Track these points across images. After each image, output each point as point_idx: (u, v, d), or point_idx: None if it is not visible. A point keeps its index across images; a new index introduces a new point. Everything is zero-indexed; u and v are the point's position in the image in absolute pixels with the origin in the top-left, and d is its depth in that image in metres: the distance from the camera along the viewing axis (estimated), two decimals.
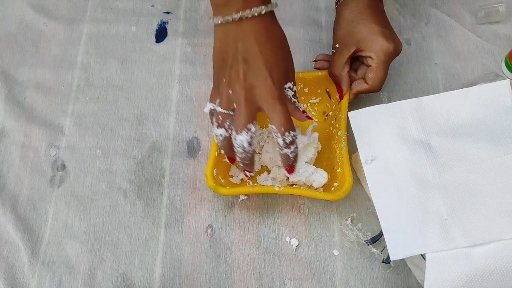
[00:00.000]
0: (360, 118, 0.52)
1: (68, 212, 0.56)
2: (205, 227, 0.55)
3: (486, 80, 0.56)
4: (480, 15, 0.65)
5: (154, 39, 0.67)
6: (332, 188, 0.52)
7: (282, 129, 0.45)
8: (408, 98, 0.52)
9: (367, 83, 0.54)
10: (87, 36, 0.67)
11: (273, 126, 0.45)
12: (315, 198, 0.56)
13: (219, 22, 0.44)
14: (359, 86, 0.55)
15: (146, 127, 0.61)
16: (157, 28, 0.67)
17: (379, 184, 0.49)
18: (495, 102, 0.50)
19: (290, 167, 0.49)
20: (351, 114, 0.52)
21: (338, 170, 0.53)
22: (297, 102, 0.48)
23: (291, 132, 0.45)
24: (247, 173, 0.51)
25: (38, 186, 0.57)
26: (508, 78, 0.61)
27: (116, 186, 0.57)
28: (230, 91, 0.45)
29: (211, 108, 0.48)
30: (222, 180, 0.53)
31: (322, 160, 0.56)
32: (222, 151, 0.50)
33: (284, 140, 0.46)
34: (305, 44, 0.65)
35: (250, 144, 0.46)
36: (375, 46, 0.53)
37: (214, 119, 0.48)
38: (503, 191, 0.46)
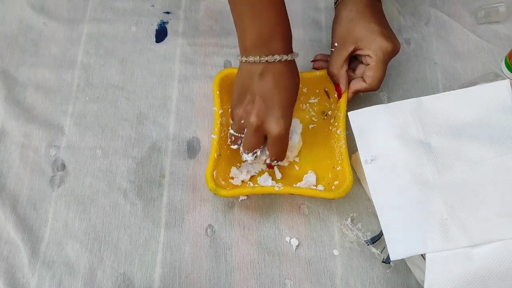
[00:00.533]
0: (360, 118, 0.52)
1: (68, 212, 0.56)
2: (205, 227, 0.55)
3: (486, 80, 0.56)
4: (480, 15, 0.65)
5: (154, 39, 0.67)
6: (333, 187, 0.52)
7: (273, 158, 0.52)
8: (408, 98, 0.52)
9: (365, 82, 0.55)
10: (87, 36, 0.67)
11: (267, 152, 0.52)
12: (315, 198, 0.56)
13: (247, 61, 0.49)
14: (357, 84, 0.55)
15: (146, 127, 0.61)
16: (157, 28, 0.67)
17: (379, 184, 0.49)
18: (495, 102, 0.50)
19: (270, 166, 0.57)
20: (351, 114, 0.52)
21: (338, 169, 0.53)
22: None
23: (278, 162, 0.53)
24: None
25: (38, 186, 0.57)
26: (508, 78, 0.61)
27: (116, 186, 0.57)
28: (243, 121, 0.50)
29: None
30: (223, 182, 0.54)
31: (321, 159, 0.56)
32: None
33: (270, 163, 0.53)
34: (304, 44, 0.65)
35: (255, 158, 0.53)
36: (373, 45, 0.53)
37: (229, 136, 0.55)
38: (503, 191, 0.46)
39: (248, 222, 0.55)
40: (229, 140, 0.54)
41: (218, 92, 0.56)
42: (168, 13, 0.68)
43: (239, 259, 0.53)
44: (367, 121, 0.52)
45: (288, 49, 0.49)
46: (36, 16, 0.68)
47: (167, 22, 0.68)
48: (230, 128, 0.54)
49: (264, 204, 0.56)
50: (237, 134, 0.53)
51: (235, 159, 0.56)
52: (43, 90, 0.63)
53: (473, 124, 0.50)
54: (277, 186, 0.51)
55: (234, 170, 0.56)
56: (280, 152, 0.52)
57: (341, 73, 0.55)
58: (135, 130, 0.60)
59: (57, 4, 0.69)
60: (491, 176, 0.47)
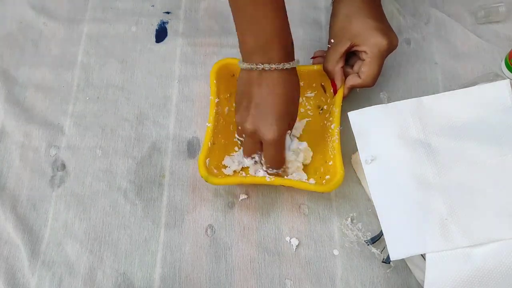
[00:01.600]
0: (360, 118, 0.52)
1: (68, 212, 0.56)
2: (205, 227, 0.55)
3: (486, 80, 0.56)
4: (480, 15, 0.65)
5: (154, 39, 0.67)
6: (324, 181, 0.53)
7: (268, 165, 0.53)
8: (408, 98, 0.52)
9: (360, 78, 0.55)
10: (87, 36, 0.67)
11: (263, 159, 0.53)
12: (316, 197, 0.56)
13: (243, 67, 0.49)
14: (352, 80, 0.55)
15: (146, 127, 0.61)
16: (157, 28, 0.67)
17: (379, 184, 0.49)
18: (495, 102, 0.50)
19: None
20: (351, 114, 0.52)
21: (330, 163, 0.53)
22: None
23: (274, 170, 0.53)
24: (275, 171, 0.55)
25: (38, 186, 0.57)
26: (508, 78, 0.61)
27: (116, 186, 0.57)
28: (239, 127, 0.51)
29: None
30: (215, 170, 0.54)
31: (315, 154, 0.56)
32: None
33: (267, 171, 0.54)
34: (304, 43, 0.65)
35: (255, 163, 0.54)
36: (369, 41, 0.53)
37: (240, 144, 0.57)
38: (503, 191, 0.46)
39: (248, 222, 0.55)
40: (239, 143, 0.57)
41: (215, 81, 0.56)
42: (168, 13, 0.68)
43: (239, 259, 0.53)
44: (367, 121, 0.52)
45: (287, 57, 0.49)
46: (36, 16, 0.68)
47: (167, 22, 0.68)
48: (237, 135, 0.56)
49: (264, 204, 0.56)
50: (241, 139, 0.55)
51: (229, 149, 0.57)
52: (43, 90, 0.63)
53: (473, 124, 0.49)
54: (268, 177, 0.51)
55: (227, 159, 0.56)
56: (274, 159, 0.52)
57: (336, 69, 0.55)
58: (135, 130, 0.60)
59: (57, 4, 0.69)
60: (491, 176, 0.47)
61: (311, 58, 0.60)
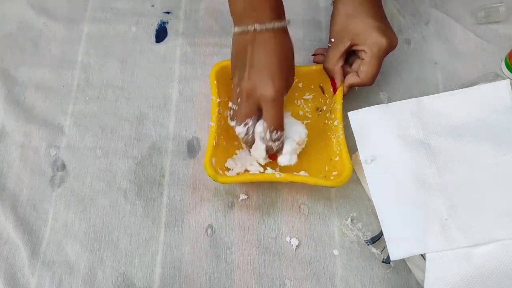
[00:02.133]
0: (360, 118, 0.52)
1: (68, 212, 0.56)
2: (205, 227, 0.55)
3: (486, 80, 0.56)
4: (480, 15, 0.65)
5: (154, 39, 0.67)
6: (332, 177, 0.52)
7: (272, 127, 0.50)
8: (408, 98, 0.52)
9: (359, 76, 0.55)
10: (87, 36, 0.67)
11: (265, 123, 0.50)
12: (316, 197, 0.56)
13: (236, 31, 0.50)
14: (351, 79, 0.56)
15: (146, 127, 0.60)
16: (157, 28, 0.67)
17: (379, 184, 0.49)
18: (495, 102, 0.50)
19: (273, 156, 0.54)
20: (351, 114, 0.53)
21: (336, 159, 0.53)
22: None
23: (279, 132, 0.50)
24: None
25: (38, 186, 0.57)
26: (508, 78, 0.61)
27: (116, 186, 0.57)
28: (238, 90, 0.50)
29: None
30: (220, 171, 0.53)
31: (317, 153, 0.56)
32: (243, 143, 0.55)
33: (271, 137, 0.51)
34: (305, 43, 0.65)
35: (247, 134, 0.52)
36: (369, 40, 0.53)
37: (228, 112, 0.54)
38: (503, 191, 0.46)
39: (248, 222, 0.55)
40: (229, 116, 0.53)
41: (215, 82, 0.56)
42: (168, 13, 0.68)
43: (239, 259, 0.53)
44: (367, 121, 0.52)
45: (278, 16, 0.49)
46: (36, 16, 0.68)
47: (167, 22, 0.68)
48: (230, 102, 0.53)
49: (264, 204, 0.56)
50: (234, 107, 0.52)
51: (230, 151, 0.57)
52: (43, 90, 0.63)
53: (473, 124, 0.50)
54: (278, 174, 0.51)
55: (230, 162, 0.56)
56: (275, 119, 0.49)
57: (336, 68, 0.56)
58: (135, 130, 0.60)
59: (57, 4, 0.69)
60: (491, 176, 0.47)
61: (312, 55, 0.60)
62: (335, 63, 0.55)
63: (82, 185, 0.57)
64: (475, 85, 0.51)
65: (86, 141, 0.60)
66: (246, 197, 0.56)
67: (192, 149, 0.59)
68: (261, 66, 0.49)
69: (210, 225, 0.55)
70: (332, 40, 0.56)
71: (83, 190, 0.57)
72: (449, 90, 0.53)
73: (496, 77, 0.58)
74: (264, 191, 0.56)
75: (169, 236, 0.54)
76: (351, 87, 0.56)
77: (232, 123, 0.53)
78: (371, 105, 0.52)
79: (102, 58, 0.65)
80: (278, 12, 0.49)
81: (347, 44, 0.54)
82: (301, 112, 0.60)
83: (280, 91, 0.49)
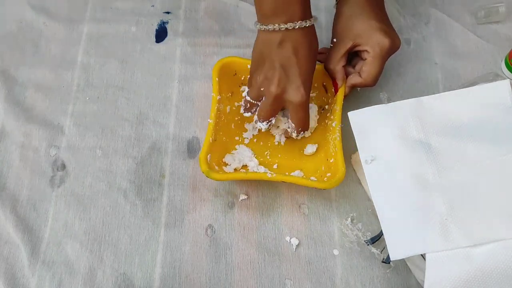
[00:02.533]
0: (360, 118, 0.52)
1: (68, 212, 0.56)
2: (205, 227, 0.55)
3: (486, 80, 0.56)
4: (480, 15, 0.65)
5: (154, 39, 0.67)
6: (325, 178, 0.53)
7: (300, 129, 0.53)
8: (408, 98, 0.52)
9: (361, 77, 0.55)
10: (87, 36, 0.67)
11: (292, 124, 0.53)
12: (315, 197, 0.56)
13: (263, 29, 0.49)
14: (353, 79, 0.56)
15: (146, 127, 0.61)
16: (157, 28, 0.67)
17: (379, 184, 0.49)
18: (495, 102, 0.50)
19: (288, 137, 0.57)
20: (351, 114, 0.52)
21: (331, 161, 0.53)
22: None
23: (305, 132, 0.55)
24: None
25: (38, 186, 0.57)
26: (508, 78, 0.61)
27: (116, 186, 0.57)
28: (262, 88, 0.51)
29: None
30: (216, 167, 0.54)
31: (317, 153, 0.57)
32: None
33: (297, 136, 0.55)
34: None
35: (268, 127, 0.55)
36: (371, 41, 0.53)
37: (243, 103, 0.56)
38: (503, 191, 0.46)
39: (248, 222, 0.55)
40: (243, 107, 0.55)
41: (217, 79, 0.56)
42: (168, 13, 0.68)
43: (239, 259, 0.53)
44: (367, 121, 0.52)
45: (307, 15, 0.49)
46: (36, 16, 0.68)
47: (167, 22, 0.68)
48: (246, 95, 0.54)
49: (264, 204, 0.56)
50: (253, 101, 0.54)
51: (230, 147, 0.57)
52: (43, 90, 0.63)
53: (473, 124, 0.49)
54: (269, 173, 0.51)
55: (228, 156, 0.56)
56: (304, 121, 0.53)
57: (337, 68, 0.56)
58: (135, 130, 0.60)
59: (57, 4, 0.69)
60: (491, 176, 0.47)
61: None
62: (337, 63, 0.55)
63: (82, 185, 0.57)
64: (475, 85, 0.51)
65: (86, 141, 0.60)
66: (246, 197, 0.56)
67: (192, 149, 0.59)
68: (290, 70, 0.49)
69: (210, 225, 0.55)
70: (334, 40, 0.56)
71: (83, 190, 0.57)
72: (449, 90, 0.52)
73: (496, 77, 0.58)
74: (264, 191, 0.56)
75: (169, 236, 0.54)
76: (353, 87, 0.56)
77: (247, 114, 0.55)
78: (371, 105, 0.52)
79: (102, 58, 0.65)
80: (306, 9, 0.49)
81: (349, 44, 0.54)
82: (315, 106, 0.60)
83: (307, 95, 0.51)
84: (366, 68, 0.54)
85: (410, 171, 0.48)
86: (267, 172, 0.52)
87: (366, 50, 0.54)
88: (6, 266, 0.53)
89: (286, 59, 0.49)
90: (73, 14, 0.68)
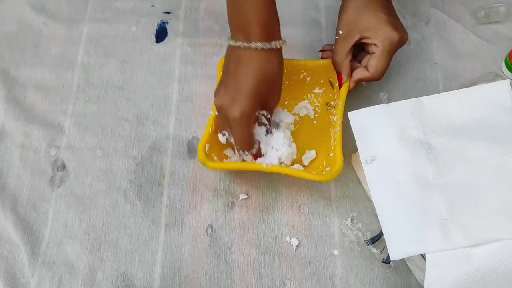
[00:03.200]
0: (360, 118, 0.52)
1: (68, 212, 0.56)
2: (205, 227, 0.55)
3: (486, 80, 0.56)
4: (480, 15, 0.65)
5: (154, 39, 0.67)
6: (324, 172, 0.53)
7: (237, 145, 0.52)
8: (408, 98, 0.52)
9: (368, 71, 0.54)
10: (87, 36, 0.67)
11: (232, 142, 0.52)
12: (316, 197, 0.56)
13: (228, 43, 0.50)
14: (360, 74, 0.55)
15: (146, 127, 0.61)
16: (157, 28, 0.67)
17: (379, 184, 0.49)
18: (495, 102, 0.50)
19: (254, 156, 0.54)
20: (351, 114, 0.52)
21: (330, 155, 0.53)
22: (267, 126, 0.54)
23: (245, 151, 0.52)
24: (253, 157, 0.53)
25: (38, 186, 0.57)
26: (508, 78, 0.61)
27: (116, 186, 0.57)
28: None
29: None
30: (216, 159, 0.54)
31: (320, 148, 0.56)
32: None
33: (239, 153, 0.53)
34: (305, 44, 0.65)
35: (227, 140, 0.53)
36: (380, 35, 0.52)
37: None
38: (503, 191, 0.46)
39: (248, 222, 0.55)
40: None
41: (221, 72, 0.56)
42: (168, 13, 0.68)
43: (239, 259, 0.53)
44: (367, 121, 0.52)
45: (268, 37, 0.48)
46: (36, 16, 0.68)
47: (167, 22, 0.68)
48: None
49: (264, 204, 0.56)
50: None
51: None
52: (43, 90, 0.63)
53: (473, 124, 0.49)
54: (265, 164, 0.51)
55: (229, 150, 0.56)
56: (240, 138, 0.51)
57: (345, 63, 0.55)
58: (135, 130, 0.60)
59: (57, 4, 0.69)
60: (491, 176, 0.47)
61: (319, 51, 0.60)
62: (344, 58, 0.54)
63: (82, 185, 0.57)
64: (475, 85, 0.51)
65: (86, 141, 0.60)
66: (246, 197, 0.56)
67: (192, 149, 0.59)
68: (235, 85, 0.48)
69: (210, 225, 0.55)
70: (340, 32, 0.55)
71: (83, 190, 0.57)
72: (449, 90, 0.52)
73: (496, 77, 0.58)
74: (264, 191, 0.56)
75: (169, 236, 0.54)
76: (359, 82, 0.56)
77: (221, 139, 0.54)
78: (371, 105, 0.52)
79: (102, 58, 0.65)
80: (269, 32, 0.48)
81: (356, 37, 0.53)
82: (311, 106, 0.60)
83: (247, 114, 0.48)
84: (374, 63, 0.53)
85: (410, 171, 0.48)
86: (262, 163, 0.52)
87: (375, 44, 0.53)
88: (6, 266, 0.53)
89: (236, 76, 0.48)
90: (73, 14, 0.68)
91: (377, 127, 0.51)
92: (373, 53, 0.54)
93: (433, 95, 0.52)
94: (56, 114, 0.61)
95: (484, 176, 0.47)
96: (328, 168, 0.53)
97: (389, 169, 0.49)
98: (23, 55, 0.65)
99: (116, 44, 0.66)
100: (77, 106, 0.62)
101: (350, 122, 0.52)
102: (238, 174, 0.57)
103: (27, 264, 0.53)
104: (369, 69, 0.54)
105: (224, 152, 0.56)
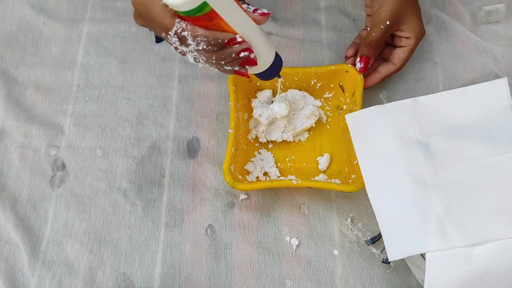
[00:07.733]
0: (357, 119, 0.52)
1: (68, 212, 0.56)
2: (205, 227, 0.55)
3: (486, 80, 0.56)
4: (480, 15, 0.65)
5: (154, 39, 0.66)
6: (350, 180, 0.52)
7: (195, 53, 0.42)
8: (408, 98, 0.52)
9: (395, 64, 0.54)
10: (87, 36, 0.67)
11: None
12: (316, 197, 0.56)
13: None
14: (387, 69, 0.55)
15: (146, 127, 0.61)
16: None
17: (376, 185, 0.49)
18: (493, 101, 0.50)
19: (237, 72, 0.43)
20: (348, 116, 0.53)
21: (355, 162, 0.53)
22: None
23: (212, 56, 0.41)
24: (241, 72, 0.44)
25: (38, 186, 0.57)
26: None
27: (116, 186, 0.57)
28: None
29: None
30: (240, 176, 0.53)
31: (338, 154, 0.56)
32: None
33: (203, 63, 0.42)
34: (305, 44, 0.65)
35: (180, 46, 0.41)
36: (414, 28, 0.52)
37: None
38: (500, 190, 0.46)
39: (248, 222, 0.55)
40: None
41: (233, 87, 0.56)
42: None
43: (239, 259, 0.53)
44: (364, 122, 0.52)
45: None
46: (36, 16, 0.68)
47: None
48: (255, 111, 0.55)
49: (264, 204, 0.56)
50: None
51: (250, 154, 0.57)
52: (43, 90, 0.63)
53: (470, 123, 0.49)
54: (295, 180, 0.51)
55: (249, 164, 0.56)
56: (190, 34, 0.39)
57: (377, 51, 0.54)
58: (135, 130, 0.60)
59: (57, 4, 0.69)
60: (488, 175, 0.47)
61: (345, 57, 0.59)
62: (380, 47, 0.53)
63: (82, 185, 0.57)
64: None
65: (86, 141, 0.60)
66: (246, 197, 0.56)
67: (192, 149, 0.59)
68: None
69: (210, 225, 0.55)
70: (387, 23, 0.53)
71: (83, 190, 0.57)
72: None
73: (496, 77, 0.58)
74: (264, 191, 0.56)
75: (169, 236, 0.54)
76: (385, 78, 0.55)
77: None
78: (371, 105, 0.52)
79: (102, 58, 0.65)
80: None
81: (394, 28, 0.52)
82: (322, 111, 0.59)
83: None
84: (403, 56, 0.52)
85: (407, 171, 0.48)
86: (292, 179, 0.51)
87: (408, 37, 0.52)
88: (6, 266, 0.53)
89: None
90: (73, 14, 0.68)
91: (374, 128, 0.51)
92: (402, 46, 0.53)
93: (430, 94, 0.52)
94: (56, 114, 0.61)
95: (481, 176, 0.47)
96: (353, 176, 0.52)
97: (386, 169, 0.49)
98: (23, 55, 0.65)
99: (116, 44, 0.66)
100: (77, 106, 0.62)
101: (347, 124, 0.52)
102: None
103: (27, 264, 0.53)
104: (397, 62, 0.53)
105: (245, 167, 0.56)
